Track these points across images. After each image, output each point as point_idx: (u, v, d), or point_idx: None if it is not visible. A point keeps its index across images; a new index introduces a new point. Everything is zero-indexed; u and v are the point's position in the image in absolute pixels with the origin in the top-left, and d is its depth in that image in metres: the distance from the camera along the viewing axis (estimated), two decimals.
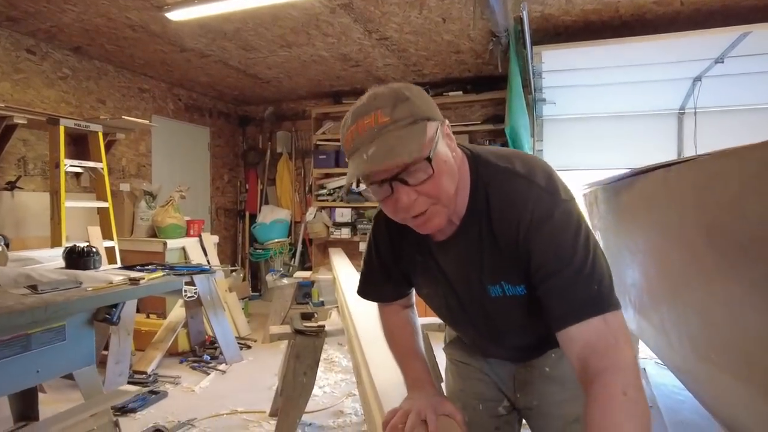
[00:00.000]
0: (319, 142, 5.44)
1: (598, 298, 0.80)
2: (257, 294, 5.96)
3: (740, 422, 1.42)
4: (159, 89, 5.15)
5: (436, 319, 2.07)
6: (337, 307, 2.84)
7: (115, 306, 2.09)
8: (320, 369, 3.56)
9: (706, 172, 1.33)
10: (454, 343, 1.27)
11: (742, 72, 3.93)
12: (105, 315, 2.03)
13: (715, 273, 1.35)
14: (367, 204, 5.29)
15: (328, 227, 5.51)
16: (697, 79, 4.13)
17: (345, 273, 3.11)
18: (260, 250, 5.80)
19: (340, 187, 5.41)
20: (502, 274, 0.92)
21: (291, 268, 5.37)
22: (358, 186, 0.85)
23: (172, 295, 2.79)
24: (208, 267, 3.78)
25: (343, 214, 5.47)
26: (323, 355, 3.88)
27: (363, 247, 5.60)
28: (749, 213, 1.16)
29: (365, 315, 1.35)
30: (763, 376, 1.20)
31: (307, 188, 5.90)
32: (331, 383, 3.30)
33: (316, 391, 3.13)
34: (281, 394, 2.49)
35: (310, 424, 2.70)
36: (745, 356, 1.32)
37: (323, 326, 2.44)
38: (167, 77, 5.01)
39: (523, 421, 1.22)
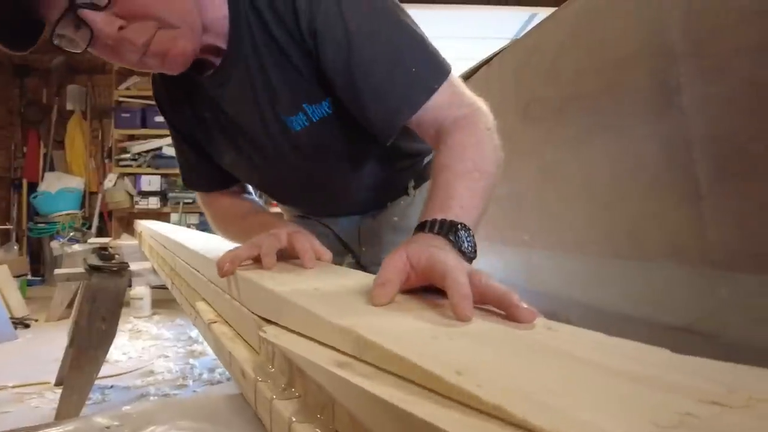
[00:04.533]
0: (122, 99, 4.77)
1: (437, 63, 0.70)
2: (39, 278, 4.98)
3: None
4: None
5: None
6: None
7: None
8: (125, 338, 3.10)
9: (524, 49, 1.43)
10: None
11: None
12: None
13: (530, 149, 1.46)
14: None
15: (132, 196, 4.87)
16: None
17: (160, 226, 2.75)
18: (42, 224, 4.87)
19: (147, 151, 4.83)
20: (301, 93, 0.77)
21: (84, 234, 4.61)
22: None
23: None
24: None
25: (151, 182, 4.88)
26: (128, 326, 3.39)
27: (176, 218, 5.04)
28: (563, 71, 1.27)
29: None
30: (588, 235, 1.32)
31: (105, 152, 5.14)
32: (138, 349, 2.88)
33: (118, 356, 2.70)
34: (71, 345, 2.07)
35: (111, 387, 2.30)
36: (569, 228, 1.44)
37: (127, 264, 2.09)
38: None
39: None
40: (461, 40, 4.19)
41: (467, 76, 1.82)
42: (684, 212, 0.96)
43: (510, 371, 0.24)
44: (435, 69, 0.70)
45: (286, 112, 0.78)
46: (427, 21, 3.57)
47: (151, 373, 2.48)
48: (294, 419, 0.34)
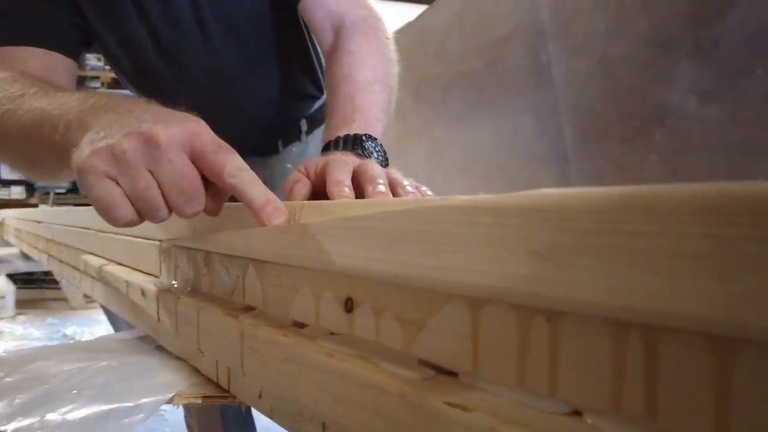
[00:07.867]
0: None
1: None
2: None
3: None
4: None
5: None
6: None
7: None
8: None
9: (417, 30, 1.51)
10: None
11: None
12: None
13: (421, 128, 1.55)
14: None
15: None
16: None
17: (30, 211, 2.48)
18: None
19: None
20: None
21: None
22: None
23: None
24: None
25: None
26: None
27: (45, 208, 4.55)
28: (450, 51, 1.36)
29: None
30: None
31: None
32: (0, 351, 2.58)
33: None
34: None
35: None
36: None
37: None
38: None
39: None
40: None
41: None
42: (554, 177, 1.08)
43: None
44: None
45: None
46: None
47: None
48: (202, 306, 0.35)
